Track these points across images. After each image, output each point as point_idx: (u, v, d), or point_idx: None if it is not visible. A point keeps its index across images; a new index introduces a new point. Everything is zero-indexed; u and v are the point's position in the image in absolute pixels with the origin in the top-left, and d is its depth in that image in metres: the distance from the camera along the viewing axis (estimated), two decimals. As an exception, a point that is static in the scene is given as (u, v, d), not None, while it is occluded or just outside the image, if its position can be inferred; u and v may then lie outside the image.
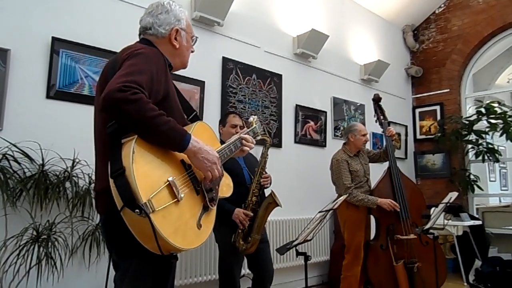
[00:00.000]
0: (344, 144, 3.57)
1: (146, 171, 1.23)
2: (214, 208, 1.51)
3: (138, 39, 1.63)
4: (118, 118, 1.22)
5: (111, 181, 1.19)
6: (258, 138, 2.07)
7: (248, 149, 1.78)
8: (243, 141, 1.76)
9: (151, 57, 1.40)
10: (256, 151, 2.99)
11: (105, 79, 1.39)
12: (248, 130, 1.95)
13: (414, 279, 3.24)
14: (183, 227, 1.29)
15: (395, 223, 3.33)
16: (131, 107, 1.18)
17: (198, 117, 1.74)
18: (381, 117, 3.77)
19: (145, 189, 1.17)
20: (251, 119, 2.12)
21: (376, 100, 3.81)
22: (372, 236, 3.57)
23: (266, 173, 2.76)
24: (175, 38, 1.58)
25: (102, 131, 1.39)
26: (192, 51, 1.71)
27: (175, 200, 1.26)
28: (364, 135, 3.49)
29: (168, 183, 1.25)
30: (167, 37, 1.57)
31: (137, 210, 1.13)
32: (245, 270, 3.08)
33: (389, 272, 3.25)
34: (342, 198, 2.62)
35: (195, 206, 1.39)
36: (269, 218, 2.79)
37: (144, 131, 1.24)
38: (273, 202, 2.68)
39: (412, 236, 3.28)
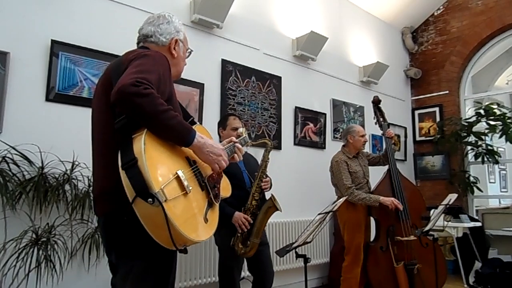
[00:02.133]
0: (343, 146, 3.57)
1: (157, 163, 1.26)
2: (217, 205, 1.55)
3: (136, 41, 1.67)
4: (130, 111, 1.26)
5: (122, 173, 1.21)
6: (247, 148, 2.13)
7: (237, 158, 1.82)
8: (236, 149, 1.79)
9: (157, 59, 1.44)
10: (257, 154, 2.99)
11: (107, 80, 1.43)
12: (240, 139, 1.99)
13: (414, 280, 3.23)
14: (192, 219, 1.32)
15: (395, 225, 3.33)
16: (144, 100, 1.23)
17: (195, 122, 1.77)
18: (381, 119, 3.78)
19: (156, 179, 1.20)
20: (240, 130, 2.21)
21: (376, 102, 3.82)
22: (372, 237, 3.56)
23: (266, 176, 2.76)
24: (174, 48, 1.64)
25: (102, 132, 1.42)
26: (185, 64, 1.77)
27: (184, 192, 1.29)
28: (363, 136, 3.50)
29: (177, 175, 1.29)
30: (167, 46, 1.63)
31: (150, 200, 1.15)
32: (244, 273, 3.08)
33: (389, 273, 3.25)
34: (342, 199, 2.63)
35: (201, 201, 1.43)
36: (268, 221, 2.78)
37: (155, 124, 1.28)
38: (273, 207, 2.68)
39: (412, 237, 3.28)
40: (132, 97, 1.22)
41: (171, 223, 1.17)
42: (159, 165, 1.26)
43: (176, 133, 1.33)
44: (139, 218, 1.20)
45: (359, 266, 3.32)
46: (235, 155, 1.81)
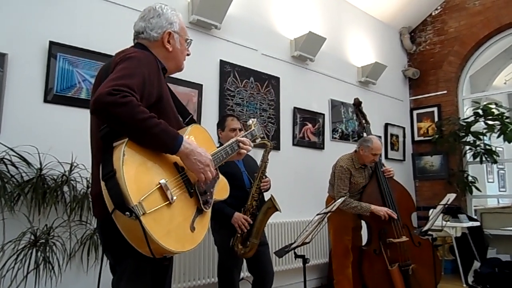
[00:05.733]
0: (355, 151, 3.49)
1: (137, 174, 1.23)
2: (209, 211, 1.51)
3: (132, 38, 1.65)
4: (108, 121, 1.23)
5: (102, 184, 1.20)
6: (258, 141, 2.04)
7: (245, 152, 1.76)
8: (240, 143, 1.75)
9: (142, 60, 1.41)
10: (256, 155, 2.99)
11: (99, 83, 1.40)
12: (246, 133, 1.94)
13: (410, 281, 3.22)
14: (176, 230, 1.29)
15: (386, 227, 3.30)
16: (121, 110, 1.19)
17: (194, 120, 1.73)
18: (363, 121, 3.77)
19: (135, 191, 1.17)
20: (249, 122, 2.08)
21: (357, 104, 3.80)
22: (364, 241, 3.54)
23: (266, 177, 2.76)
24: (168, 41, 1.58)
25: (96, 135, 1.40)
26: (188, 54, 1.70)
27: (167, 202, 1.26)
28: (375, 155, 3.33)
29: (159, 185, 1.26)
30: (159, 41, 1.57)
31: (127, 213, 1.14)
32: (243, 273, 3.08)
33: (384, 276, 3.22)
34: (340, 200, 2.62)
35: (189, 209, 1.39)
36: (267, 222, 2.78)
37: (135, 133, 1.25)
38: (273, 207, 2.68)
39: (404, 238, 3.27)
40: (108, 107, 1.18)
41: (149, 236, 1.16)
42: (140, 176, 1.23)
43: (159, 141, 1.29)
44: (119, 229, 1.19)
45: (349, 267, 3.31)
46: (241, 150, 1.74)
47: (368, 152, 3.33)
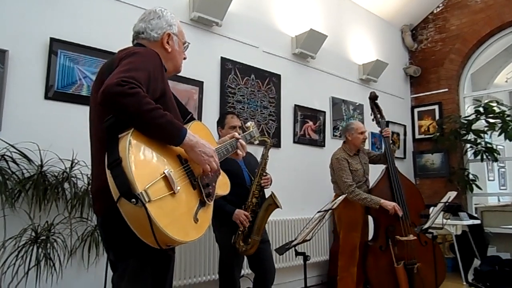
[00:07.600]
0: (344, 143, 3.53)
1: (142, 162, 1.25)
2: (211, 204, 1.52)
3: (131, 39, 1.67)
4: (115, 111, 1.25)
5: (107, 172, 1.21)
6: (256, 142, 2.09)
7: (241, 153, 1.79)
8: (239, 144, 1.77)
9: (147, 56, 1.43)
10: (257, 152, 2.99)
11: (102, 79, 1.41)
12: (245, 133, 1.96)
13: (414, 279, 3.22)
14: (180, 219, 1.30)
15: (394, 224, 3.30)
16: (129, 100, 1.21)
17: (194, 119, 1.76)
18: (378, 115, 3.74)
19: (141, 179, 1.18)
20: (248, 124, 2.16)
21: (373, 98, 3.78)
22: (370, 236, 3.54)
23: (266, 174, 2.76)
24: (167, 42, 1.62)
25: (98, 129, 1.40)
26: (185, 58, 1.74)
27: (171, 192, 1.28)
28: (362, 133, 3.42)
29: (164, 175, 1.27)
30: (159, 41, 1.61)
31: (133, 200, 1.14)
32: (244, 270, 3.08)
33: (389, 273, 3.23)
34: (341, 197, 2.62)
35: (192, 200, 1.41)
36: (268, 218, 2.79)
37: (141, 124, 1.27)
38: (273, 204, 2.68)
39: (412, 237, 3.26)
40: (116, 97, 1.21)
41: (154, 223, 1.16)
42: (145, 165, 1.25)
43: (165, 132, 1.31)
44: (124, 217, 1.19)
45: (355, 265, 3.29)
46: (238, 151, 1.78)
47: (356, 133, 3.41)
